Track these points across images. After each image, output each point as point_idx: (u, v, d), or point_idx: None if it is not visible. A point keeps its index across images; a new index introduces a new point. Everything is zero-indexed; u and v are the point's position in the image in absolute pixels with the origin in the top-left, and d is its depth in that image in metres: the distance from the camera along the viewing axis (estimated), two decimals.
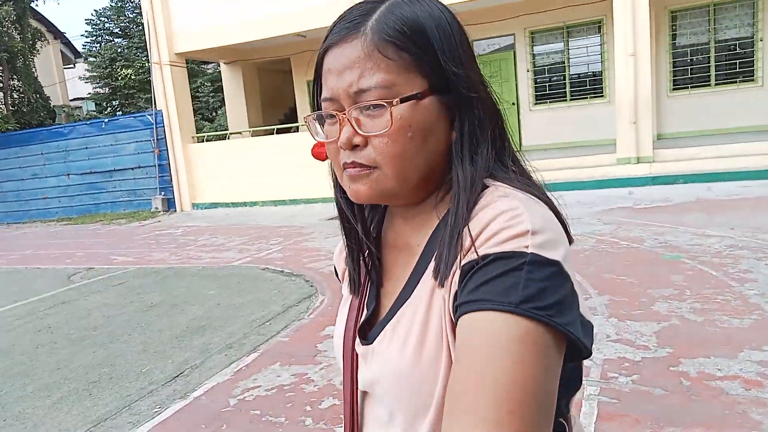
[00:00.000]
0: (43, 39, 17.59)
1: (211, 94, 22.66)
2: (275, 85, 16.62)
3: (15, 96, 16.32)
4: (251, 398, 3.29)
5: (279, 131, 13.10)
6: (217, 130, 16.87)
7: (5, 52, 15.14)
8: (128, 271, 7.36)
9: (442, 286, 0.64)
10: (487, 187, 0.66)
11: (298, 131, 13.52)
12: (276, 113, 16.70)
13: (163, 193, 13.45)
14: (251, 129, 14.22)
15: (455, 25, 0.68)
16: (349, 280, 0.81)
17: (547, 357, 0.57)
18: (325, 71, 0.68)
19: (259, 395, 3.32)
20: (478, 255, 0.60)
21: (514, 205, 0.61)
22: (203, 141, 13.73)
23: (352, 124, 0.65)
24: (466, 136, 0.68)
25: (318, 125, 0.72)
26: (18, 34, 15.74)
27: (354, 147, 0.66)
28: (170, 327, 4.83)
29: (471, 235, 0.61)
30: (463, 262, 0.61)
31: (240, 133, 14.53)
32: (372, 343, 0.73)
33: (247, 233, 9.35)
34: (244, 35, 12.31)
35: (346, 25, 0.66)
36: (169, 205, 13.43)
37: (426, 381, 0.64)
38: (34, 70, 16.81)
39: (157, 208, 13.39)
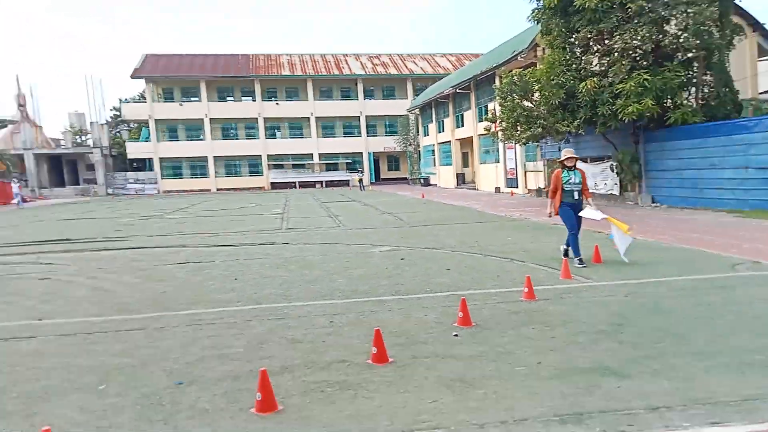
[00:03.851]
0: (741, 33, 17.50)
1: None
2: None
3: (705, 90, 17.06)
4: None
5: None
6: None
7: (704, 49, 15.98)
8: None
9: None
10: None
11: None
12: None
13: None
14: None
15: None
16: None
17: None
18: None
19: None
20: None
21: None
22: None
23: None
24: None
25: None
26: (717, 31, 16.25)
27: None
28: None
29: None
30: None
31: None
32: None
33: None
34: None
35: None
36: None
37: None
38: (727, 64, 17.08)
39: None
